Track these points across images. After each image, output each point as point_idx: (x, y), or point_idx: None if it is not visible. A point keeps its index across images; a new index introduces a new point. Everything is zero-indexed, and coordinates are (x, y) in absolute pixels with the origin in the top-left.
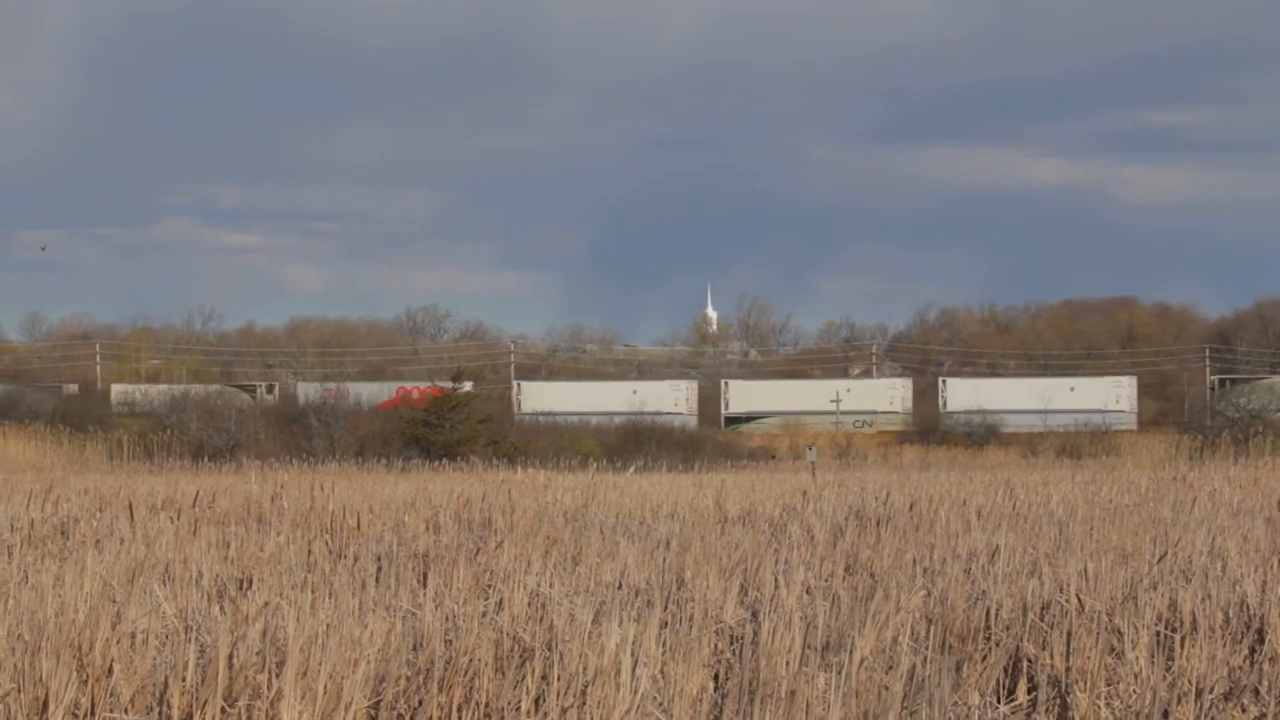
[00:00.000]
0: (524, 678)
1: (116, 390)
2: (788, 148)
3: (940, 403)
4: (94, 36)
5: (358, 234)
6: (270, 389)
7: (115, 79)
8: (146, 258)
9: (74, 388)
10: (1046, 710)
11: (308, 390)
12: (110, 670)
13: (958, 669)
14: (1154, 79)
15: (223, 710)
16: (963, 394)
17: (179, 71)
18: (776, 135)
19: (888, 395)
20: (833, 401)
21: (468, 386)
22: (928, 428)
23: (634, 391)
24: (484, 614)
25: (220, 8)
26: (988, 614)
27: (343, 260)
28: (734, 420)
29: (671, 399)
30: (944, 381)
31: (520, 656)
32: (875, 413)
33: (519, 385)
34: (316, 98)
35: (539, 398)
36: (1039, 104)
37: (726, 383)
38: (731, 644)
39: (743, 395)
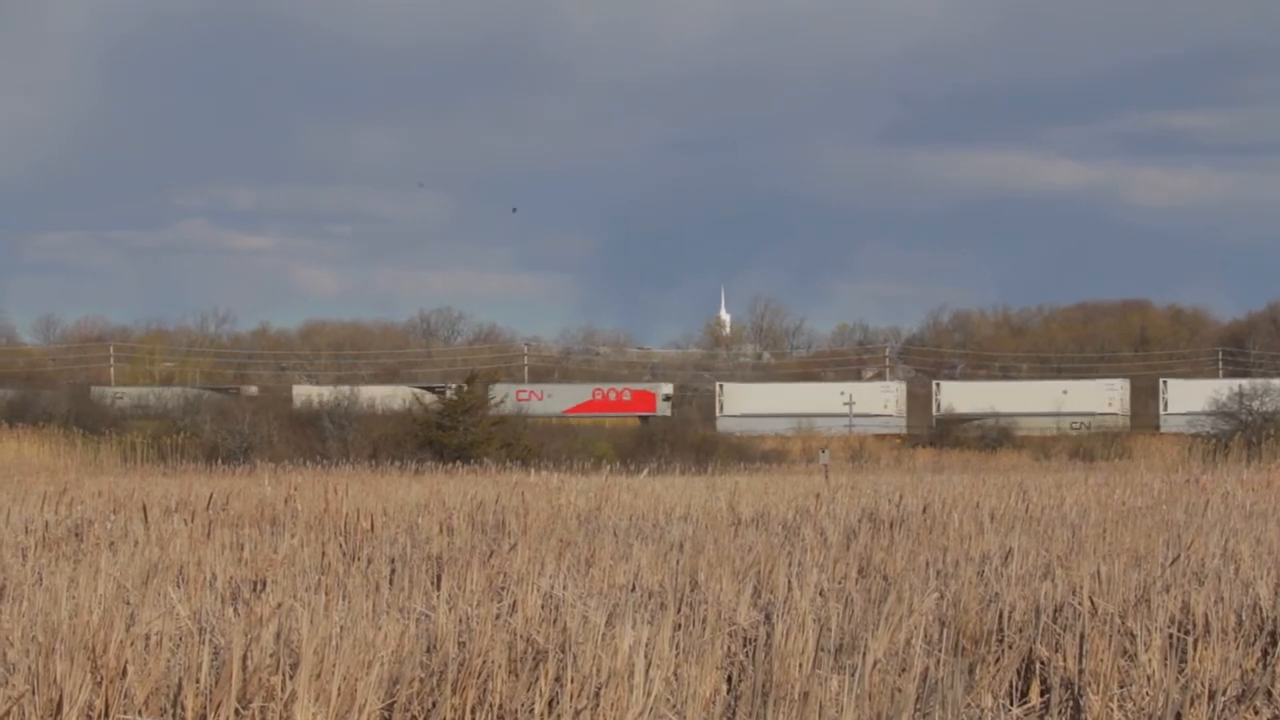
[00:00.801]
0: (537, 680)
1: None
2: (801, 150)
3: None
4: (109, 40)
5: (372, 236)
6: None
7: (130, 82)
8: (161, 260)
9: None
10: (1059, 712)
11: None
12: (124, 672)
13: (970, 671)
14: (1168, 82)
15: (236, 712)
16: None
17: (193, 74)
18: (790, 137)
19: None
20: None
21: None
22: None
23: (842, 393)
24: (497, 616)
25: (234, 11)
26: (1001, 616)
27: (357, 262)
28: (950, 420)
29: (881, 401)
30: (938, 385)
31: (534, 658)
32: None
33: (721, 387)
34: (331, 100)
35: (743, 400)
36: (1053, 106)
37: (937, 385)
38: (745, 646)
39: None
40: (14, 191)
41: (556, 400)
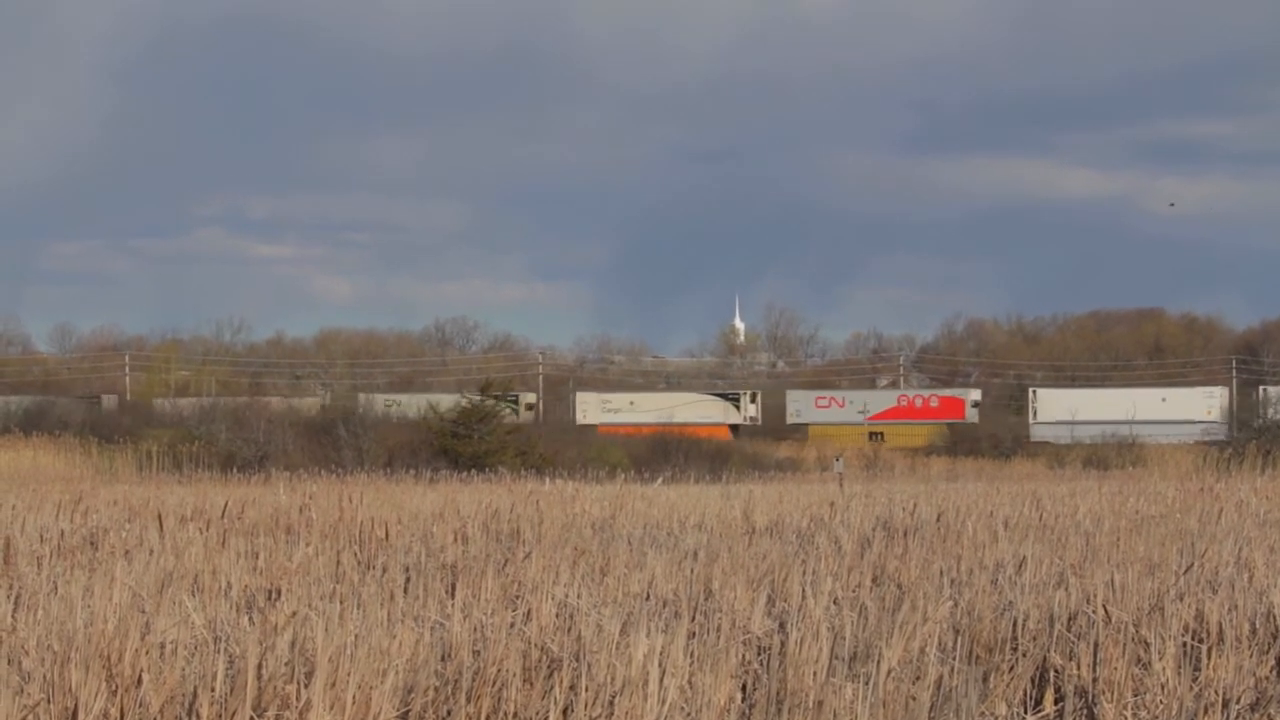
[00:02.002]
0: (552, 688)
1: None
2: (817, 158)
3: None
4: (127, 48)
5: (389, 244)
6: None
7: (147, 90)
8: (178, 268)
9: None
10: None
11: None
12: (139, 681)
13: (985, 679)
14: (1185, 89)
15: None
16: (1052, 405)
17: (210, 82)
18: (806, 145)
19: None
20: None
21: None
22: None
23: (1164, 399)
24: (512, 625)
25: (252, 18)
26: (1015, 624)
27: (374, 271)
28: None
29: (1203, 406)
30: (1034, 392)
31: (548, 667)
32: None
33: (1035, 393)
34: (348, 108)
35: (1056, 406)
36: (1069, 114)
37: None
38: (759, 654)
39: None
40: (31, 200)
41: (858, 407)
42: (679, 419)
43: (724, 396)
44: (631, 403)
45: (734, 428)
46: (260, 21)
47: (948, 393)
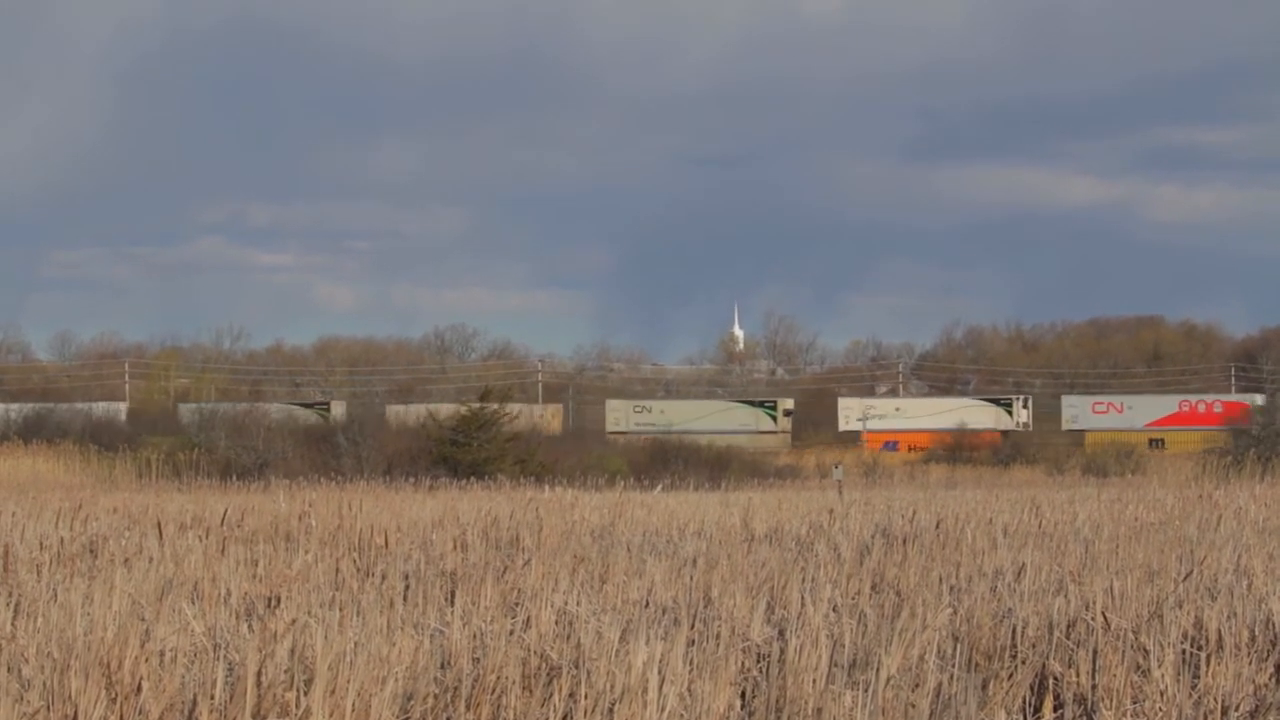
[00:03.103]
0: (551, 695)
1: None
2: (818, 165)
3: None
4: (128, 55)
5: (389, 252)
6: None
7: (149, 98)
8: (179, 276)
9: (121, 407)
10: None
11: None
12: (139, 688)
13: (984, 687)
14: (1188, 97)
15: None
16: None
17: (212, 90)
18: (807, 153)
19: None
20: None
21: None
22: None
23: None
24: (511, 632)
25: (254, 26)
26: (1014, 632)
27: (374, 279)
28: None
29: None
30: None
31: (547, 674)
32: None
33: None
34: (350, 116)
35: None
36: (1072, 122)
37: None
38: (758, 662)
39: None
40: (32, 207)
41: (1138, 413)
42: (952, 424)
43: (995, 401)
44: (897, 409)
45: (1005, 433)
46: (261, 29)
47: (1231, 398)
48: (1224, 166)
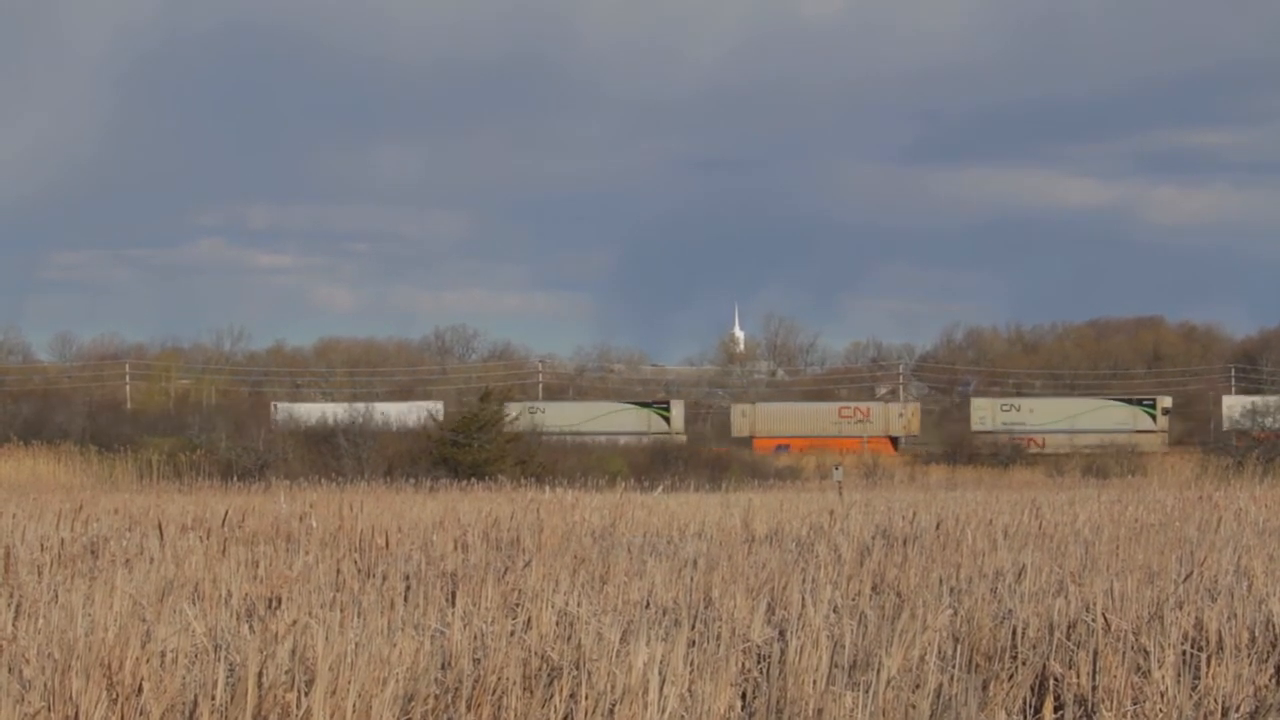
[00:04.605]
0: (552, 696)
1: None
2: (819, 168)
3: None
4: (127, 58)
5: (389, 254)
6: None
7: (148, 100)
8: (178, 278)
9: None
10: None
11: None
12: (140, 689)
13: (984, 688)
14: (1187, 99)
15: None
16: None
17: (211, 93)
18: (807, 156)
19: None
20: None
21: None
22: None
23: None
24: (512, 633)
25: (253, 29)
26: (1014, 633)
27: (374, 280)
28: None
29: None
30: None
31: (548, 675)
32: None
33: None
34: (349, 118)
35: None
36: (1072, 125)
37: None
38: (759, 663)
39: None
40: (32, 210)
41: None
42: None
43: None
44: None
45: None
46: (261, 31)
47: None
48: (1223, 168)
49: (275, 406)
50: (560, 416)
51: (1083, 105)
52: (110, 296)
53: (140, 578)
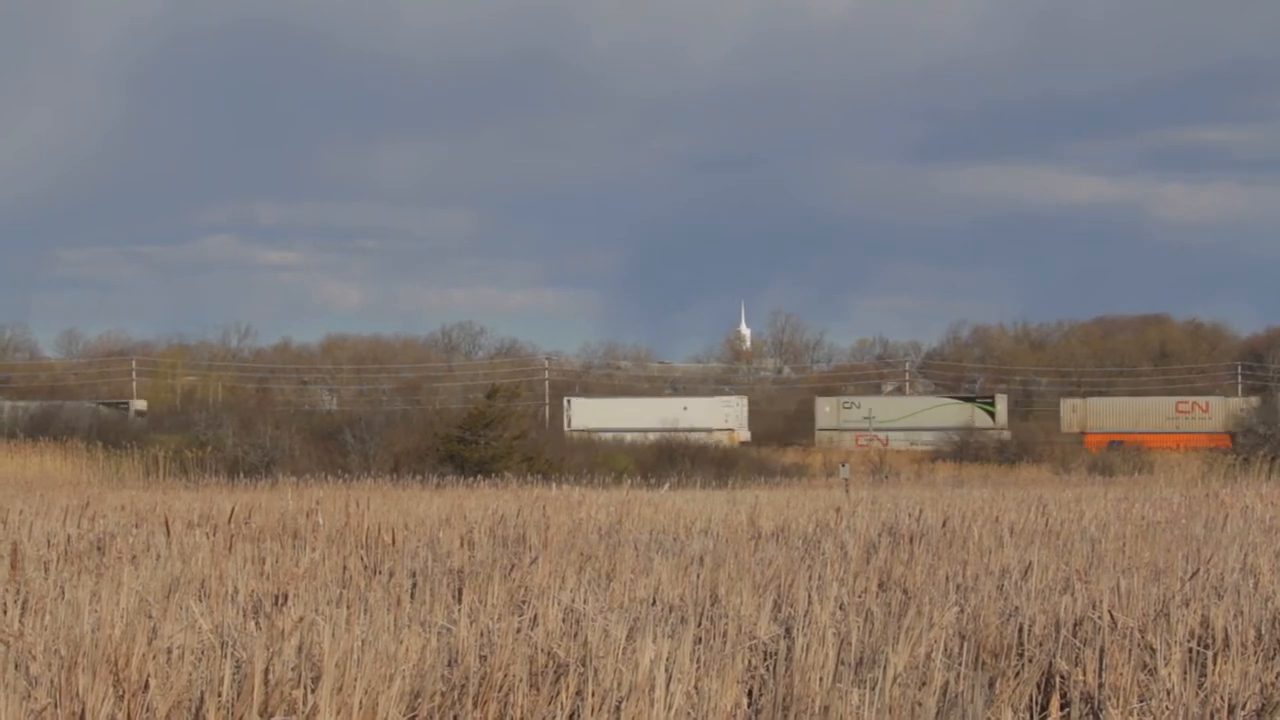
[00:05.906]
0: (558, 693)
1: None
2: (825, 165)
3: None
4: (135, 56)
5: (397, 251)
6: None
7: (156, 98)
8: (186, 275)
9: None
10: None
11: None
12: (146, 685)
13: (991, 685)
14: (1194, 97)
15: None
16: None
17: (219, 90)
18: (814, 153)
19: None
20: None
21: None
22: None
23: None
24: (518, 630)
25: (261, 27)
26: (1020, 630)
27: (382, 278)
28: None
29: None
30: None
31: (555, 672)
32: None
33: None
34: (357, 116)
35: None
36: (1079, 122)
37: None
38: (765, 660)
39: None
40: (39, 207)
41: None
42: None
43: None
44: (872, 409)
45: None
46: (269, 29)
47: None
48: (1230, 166)
49: None
50: (893, 409)
51: (1090, 102)
52: (117, 293)
53: (147, 574)
